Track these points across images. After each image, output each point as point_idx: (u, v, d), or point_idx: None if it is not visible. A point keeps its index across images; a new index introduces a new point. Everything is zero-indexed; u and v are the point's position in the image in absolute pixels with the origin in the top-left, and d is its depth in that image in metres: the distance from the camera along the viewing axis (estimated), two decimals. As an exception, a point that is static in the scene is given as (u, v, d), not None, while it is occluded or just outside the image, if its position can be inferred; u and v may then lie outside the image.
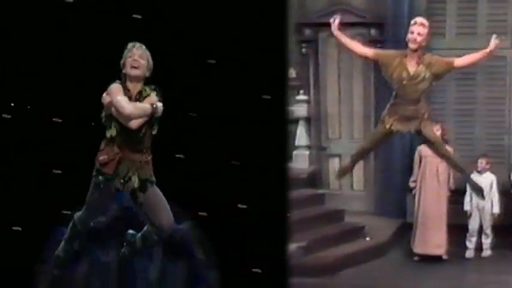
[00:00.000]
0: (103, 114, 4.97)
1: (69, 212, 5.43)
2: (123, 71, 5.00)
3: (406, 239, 9.48)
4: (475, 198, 9.25)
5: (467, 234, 9.38)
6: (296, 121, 10.76)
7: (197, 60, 6.07)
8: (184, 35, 6.03)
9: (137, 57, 4.95)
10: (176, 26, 5.97)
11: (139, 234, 5.32)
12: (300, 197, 9.89)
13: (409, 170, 9.80)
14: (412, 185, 9.59)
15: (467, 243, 9.38)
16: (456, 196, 9.42)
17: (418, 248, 9.17)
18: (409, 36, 6.09)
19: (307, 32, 10.71)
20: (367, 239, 9.54)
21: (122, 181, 4.97)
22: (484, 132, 10.39)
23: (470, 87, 10.42)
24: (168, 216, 5.12)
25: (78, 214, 5.30)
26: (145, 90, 4.99)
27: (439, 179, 9.33)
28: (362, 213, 10.25)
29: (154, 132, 5.00)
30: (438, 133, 9.09)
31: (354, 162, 7.07)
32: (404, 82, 6.13)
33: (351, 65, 10.66)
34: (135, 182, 4.98)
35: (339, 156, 10.83)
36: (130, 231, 5.39)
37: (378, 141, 6.75)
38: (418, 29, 6.09)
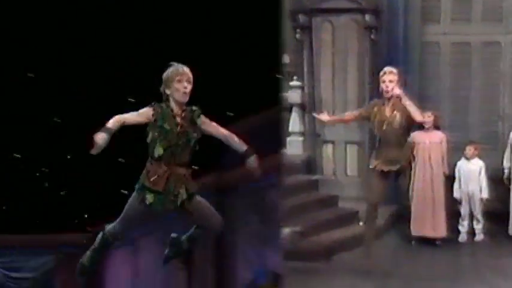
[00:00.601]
0: (149, 137, 5.16)
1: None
2: (167, 91, 5.17)
3: (400, 224, 9.50)
4: (464, 185, 9.36)
5: (460, 219, 9.44)
6: (290, 107, 10.76)
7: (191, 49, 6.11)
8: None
9: (186, 84, 5.13)
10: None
11: (184, 237, 5.54)
12: (294, 183, 9.94)
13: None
14: None
15: (460, 228, 9.44)
16: (449, 182, 9.46)
17: (415, 230, 9.20)
18: (382, 86, 6.62)
19: (302, 18, 10.66)
20: (361, 224, 9.50)
21: (172, 197, 5.18)
22: (478, 119, 10.41)
23: (464, 73, 10.42)
24: (217, 217, 5.42)
25: (109, 226, 5.46)
26: (191, 110, 5.22)
27: (432, 165, 9.32)
28: (356, 198, 10.14)
29: (196, 148, 5.27)
30: (430, 119, 9.18)
31: (370, 228, 7.32)
32: (383, 128, 6.68)
33: (346, 51, 10.65)
34: (183, 194, 5.19)
35: (333, 142, 10.84)
36: (174, 234, 5.60)
37: (379, 188, 7.05)
38: (389, 77, 6.64)
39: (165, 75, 5.18)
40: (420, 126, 9.31)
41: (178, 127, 5.13)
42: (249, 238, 9.66)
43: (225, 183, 10.07)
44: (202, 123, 5.21)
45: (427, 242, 9.19)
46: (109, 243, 5.49)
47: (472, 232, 9.40)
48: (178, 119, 5.14)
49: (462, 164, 9.49)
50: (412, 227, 9.21)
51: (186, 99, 5.15)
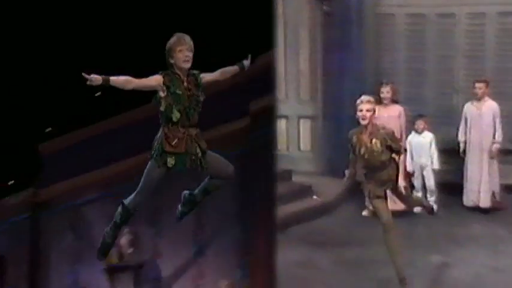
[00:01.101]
0: (163, 105, 5.44)
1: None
2: (171, 61, 5.45)
3: (353, 197, 9.37)
4: (416, 157, 9.31)
5: (413, 192, 9.40)
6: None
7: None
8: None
9: (188, 52, 5.40)
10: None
11: (197, 190, 5.78)
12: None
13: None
14: None
15: (414, 200, 9.42)
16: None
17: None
18: (359, 114, 6.65)
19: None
20: (314, 197, 9.47)
21: (193, 156, 5.48)
22: (434, 92, 10.30)
23: (420, 45, 10.29)
24: (230, 166, 5.66)
25: (128, 199, 5.62)
26: (193, 74, 5.49)
27: None
28: (310, 173, 10.11)
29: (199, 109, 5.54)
30: (389, 95, 9.05)
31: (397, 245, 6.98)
32: (366, 156, 6.73)
33: (297, 23, 10.43)
34: (199, 153, 5.50)
35: (286, 117, 10.61)
36: (187, 191, 5.80)
37: (385, 207, 6.92)
38: (366, 106, 6.63)
39: (168, 45, 5.44)
40: (376, 100, 9.20)
41: (188, 91, 5.44)
42: (64, 255, 9.50)
43: (41, 199, 9.89)
44: (205, 79, 5.51)
45: None
46: (130, 215, 5.63)
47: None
48: (186, 84, 5.45)
49: (413, 138, 9.45)
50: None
51: (188, 65, 5.43)
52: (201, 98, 5.51)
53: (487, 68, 10.07)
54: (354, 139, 6.81)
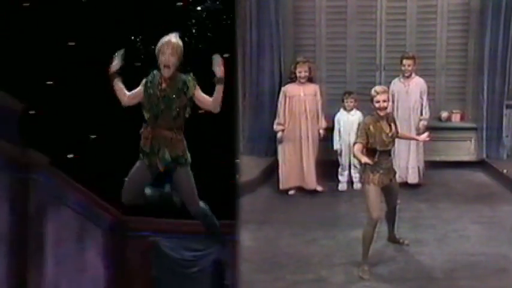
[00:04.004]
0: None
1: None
2: (158, 61, 5.46)
3: (276, 176, 9.24)
4: (345, 135, 9.20)
5: (339, 169, 9.34)
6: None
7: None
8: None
9: (168, 57, 5.40)
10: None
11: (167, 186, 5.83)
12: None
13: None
14: (277, 128, 9.23)
15: (340, 177, 9.33)
16: (327, 133, 9.24)
17: (285, 184, 9.10)
18: (376, 105, 6.82)
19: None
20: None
21: (158, 158, 5.48)
22: (356, 69, 10.10)
23: (340, 21, 10.05)
24: (194, 204, 5.68)
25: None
26: (183, 79, 5.45)
27: (308, 117, 9.11)
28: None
29: (187, 115, 5.51)
30: (307, 74, 8.90)
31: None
32: (386, 143, 6.81)
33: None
34: (167, 157, 5.48)
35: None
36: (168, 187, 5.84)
37: (379, 202, 6.88)
38: (382, 97, 6.82)
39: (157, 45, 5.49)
40: (292, 79, 9.05)
41: (162, 92, 5.43)
42: None
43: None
44: (195, 95, 5.43)
45: (306, 192, 9.06)
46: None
47: (351, 181, 9.29)
48: (164, 86, 5.43)
49: (341, 116, 9.28)
50: (281, 182, 9.10)
51: (166, 74, 5.42)
52: (179, 102, 5.43)
53: (408, 44, 9.92)
54: (371, 129, 6.76)
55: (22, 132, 8.70)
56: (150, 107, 5.47)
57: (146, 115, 5.50)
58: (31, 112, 8.74)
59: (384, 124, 6.82)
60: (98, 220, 9.92)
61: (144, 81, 5.55)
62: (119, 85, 5.52)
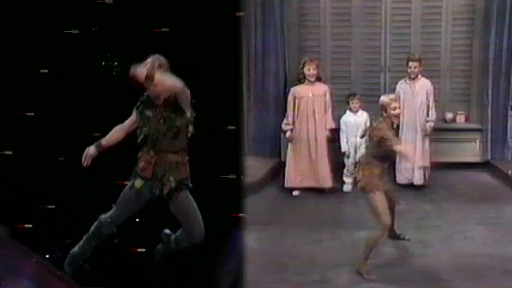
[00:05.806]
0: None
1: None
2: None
3: (281, 177, 9.30)
4: (351, 137, 9.19)
5: (345, 171, 9.34)
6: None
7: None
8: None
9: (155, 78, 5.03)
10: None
11: (173, 236, 5.61)
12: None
13: (284, 110, 9.43)
14: (285, 127, 9.25)
15: (345, 179, 9.33)
16: (335, 135, 9.28)
17: (289, 183, 9.16)
18: (393, 112, 6.77)
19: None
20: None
21: (160, 184, 5.26)
22: (360, 70, 10.12)
23: (345, 22, 10.07)
24: (199, 226, 5.38)
25: (105, 215, 5.49)
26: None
27: (316, 119, 9.12)
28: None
29: (189, 134, 5.31)
30: (315, 72, 8.90)
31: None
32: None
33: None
34: (172, 182, 5.26)
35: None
36: (167, 230, 5.64)
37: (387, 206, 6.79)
38: (396, 104, 6.83)
39: None
40: (300, 80, 9.05)
41: (160, 114, 5.22)
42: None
43: None
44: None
45: (311, 193, 9.09)
46: (101, 231, 5.50)
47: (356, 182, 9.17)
48: (160, 106, 5.21)
49: (348, 118, 9.29)
50: (290, 179, 9.13)
51: (155, 93, 5.15)
52: (179, 122, 5.23)
53: (413, 46, 9.92)
54: (389, 134, 6.67)
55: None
56: (147, 130, 5.29)
57: (140, 138, 5.34)
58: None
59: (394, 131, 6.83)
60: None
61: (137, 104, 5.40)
62: (108, 139, 5.44)
